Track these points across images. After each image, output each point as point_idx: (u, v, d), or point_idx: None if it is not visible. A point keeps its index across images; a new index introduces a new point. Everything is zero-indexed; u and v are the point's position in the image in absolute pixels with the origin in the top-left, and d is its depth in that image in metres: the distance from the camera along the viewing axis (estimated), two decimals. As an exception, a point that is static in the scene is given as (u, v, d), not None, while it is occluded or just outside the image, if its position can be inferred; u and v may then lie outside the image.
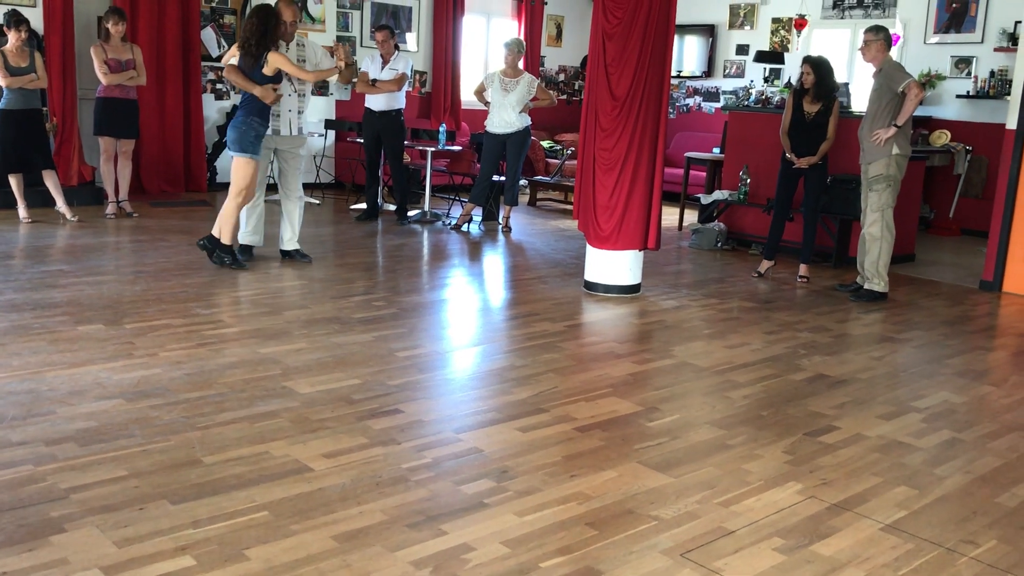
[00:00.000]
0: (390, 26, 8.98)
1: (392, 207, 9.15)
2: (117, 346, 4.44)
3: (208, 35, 9.98)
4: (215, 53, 10.06)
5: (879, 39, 6.29)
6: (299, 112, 6.52)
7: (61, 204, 7.71)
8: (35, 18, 8.38)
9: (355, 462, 3.25)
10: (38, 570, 2.43)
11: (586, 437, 3.64)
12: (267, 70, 6.03)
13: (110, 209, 8.10)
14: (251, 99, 6.09)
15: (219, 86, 10.20)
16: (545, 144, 12.13)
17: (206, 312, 5.17)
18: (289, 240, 6.79)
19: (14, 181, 7.61)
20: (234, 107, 10.25)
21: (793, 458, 3.56)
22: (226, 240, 6.24)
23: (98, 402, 3.68)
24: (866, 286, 6.51)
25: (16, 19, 7.31)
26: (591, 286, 6.24)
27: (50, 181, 7.71)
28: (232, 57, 6.29)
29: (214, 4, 10.02)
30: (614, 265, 6.14)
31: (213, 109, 10.16)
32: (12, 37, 7.30)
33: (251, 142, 6.10)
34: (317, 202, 9.70)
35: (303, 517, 2.82)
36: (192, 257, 6.63)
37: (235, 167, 6.17)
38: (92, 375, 3.99)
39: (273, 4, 6.27)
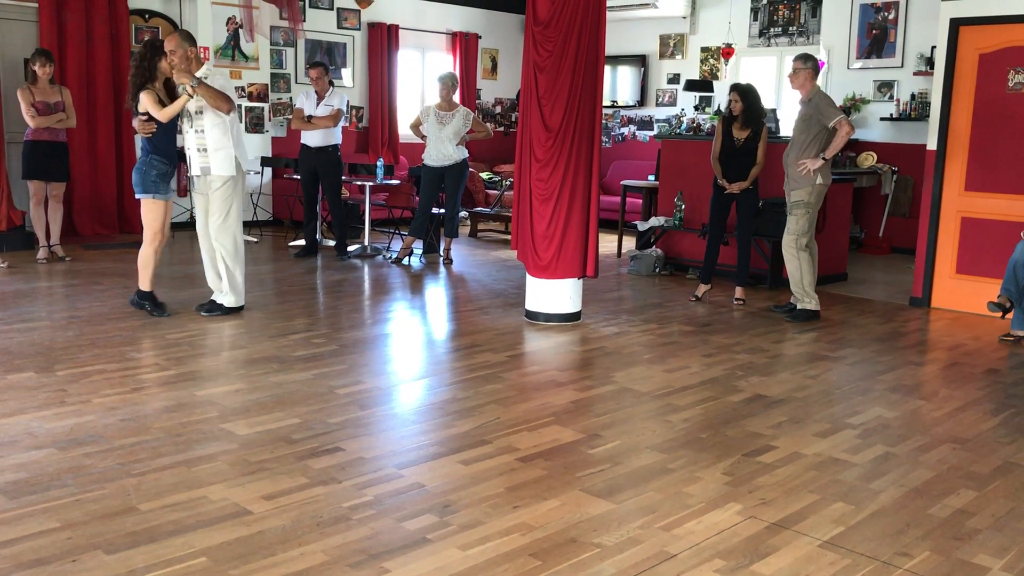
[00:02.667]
0: (324, 63, 8.99)
1: (331, 243, 9.11)
2: (49, 394, 4.34)
3: (139, 75, 9.87)
4: (147, 93, 9.95)
5: (807, 68, 6.47)
6: (200, 150, 5.89)
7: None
8: (-41, 62, 8.22)
9: (295, 503, 3.22)
10: (-35, 630, 2.36)
11: (529, 467, 3.65)
12: (140, 109, 5.81)
13: (41, 254, 7.93)
14: (150, 139, 5.86)
15: (152, 126, 10.08)
16: (484, 175, 12.21)
17: (141, 356, 5.08)
18: (220, 292, 6.18)
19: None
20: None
21: (732, 479, 3.61)
22: (144, 286, 6.02)
23: (29, 452, 3.59)
24: (799, 306, 6.66)
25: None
26: (532, 315, 6.28)
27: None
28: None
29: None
30: (554, 294, 6.19)
31: (146, 149, 10.03)
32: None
33: (152, 182, 5.86)
34: (255, 240, 9.62)
35: (242, 562, 2.78)
36: (125, 301, 6.51)
37: (143, 211, 5.93)
38: (22, 424, 3.89)
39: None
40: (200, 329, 5.77)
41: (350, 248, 8.95)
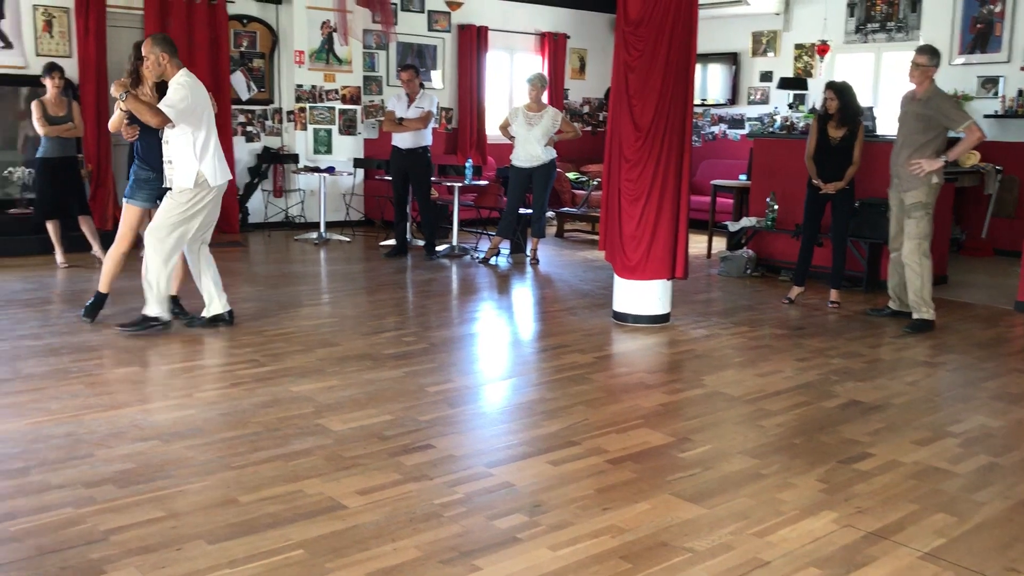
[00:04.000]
0: (415, 65, 9.12)
1: (421, 243, 9.23)
2: (153, 388, 4.51)
3: (238, 79, 10.18)
4: (244, 96, 10.25)
5: (933, 64, 6.21)
6: (168, 162, 5.51)
7: (96, 249, 7.86)
8: (70, 68, 8.59)
9: (388, 499, 3.28)
10: (79, 612, 2.47)
11: (618, 469, 3.63)
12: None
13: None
14: (138, 144, 5.70)
15: (249, 129, 10.39)
16: (571, 175, 12.20)
17: (239, 352, 5.24)
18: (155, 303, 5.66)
19: (51, 228, 7.78)
20: (264, 151, 10.44)
21: (827, 486, 3.53)
22: (102, 288, 5.80)
23: (135, 444, 3.74)
24: (915, 315, 6.37)
25: (50, 67, 7.52)
26: (620, 316, 6.24)
27: (86, 226, 7.87)
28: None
29: (243, 49, 10.22)
30: (642, 295, 6.14)
31: (244, 151, 10.34)
32: (49, 85, 7.51)
33: (131, 187, 5.75)
34: (347, 240, 9.81)
35: (338, 555, 2.84)
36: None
37: (123, 213, 5.81)
38: (129, 417, 4.06)
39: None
40: (295, 327, 5.91)
41: (439, 248, 9.05)
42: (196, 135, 5.44)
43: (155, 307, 5.58)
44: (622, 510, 3.25)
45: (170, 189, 5.51)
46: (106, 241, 8.08)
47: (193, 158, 5.44)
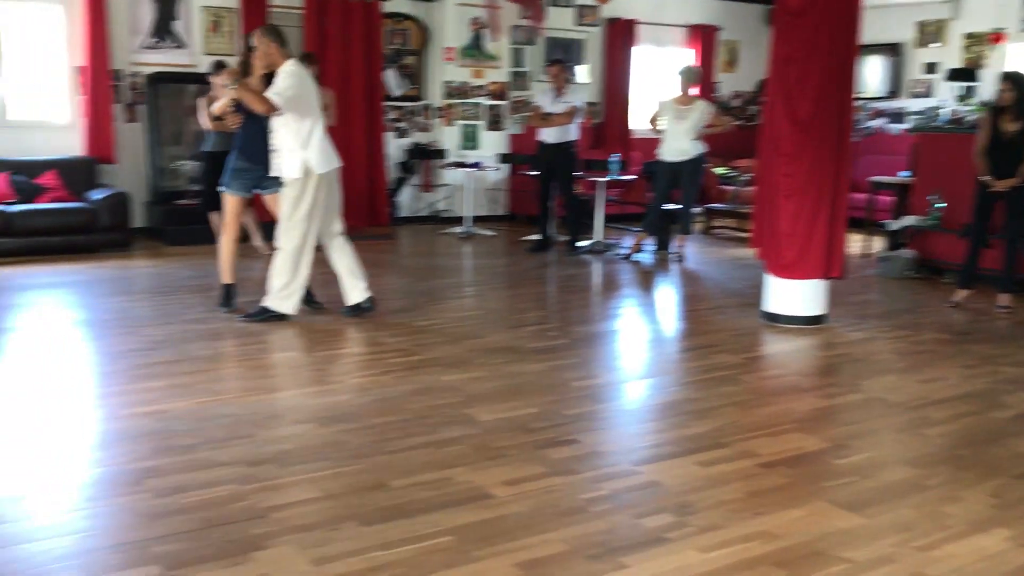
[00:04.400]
0: (563, 60, 9.12)
1: (564, 238, 9.23)
2: (309, 372, 4.69)
3: (390, 76, 10.45)
4: (396, 93, 10.52)
5: None
6: (274, 151, 5.63)
7: (256, 239, 8.23)
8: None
9: (534, 491, 3.28)
10: (243, 584, 2.58)
11: (770, 474, 3.52)
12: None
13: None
14: (238, 135, 5.85)
15: (400, 125, 10.65)
16: (720, 171, 11.91)
17: (390, 341, 5.37)
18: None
19: (214, 219, 8.20)
20: (413, 147, 10.68)
21: (999, 502, 3.31)
22: (225, 279, 5.98)
23: (294, 426, 3.89)
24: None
25: (217, 65, 7.92)
26: (772, 317, 6.05)
27: (247, 217, 8.25)
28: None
29: (396, 46, 10.48)
30: (796, 294, 5.93)
31: (395, 147, 10.61)
32: (216, 82, 7.90)
33: (227, 175, 5.87)
34: (492, 234, 9.93)
35: (487, 543, 2.87)
36: (375, 288, 6.90)
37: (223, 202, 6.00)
38: (288, 400, 4.23)
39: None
40: (442, 319, 6.02)
41: (582, 243, 9.03)
42: (302, 123, 5.49)
43: (274, 300, 5.66)
44: (775, 515, 3.14)
45: (277, 178, 5.63)
46: (265, 231, 8.47)
47: (298, 146, 5.50)
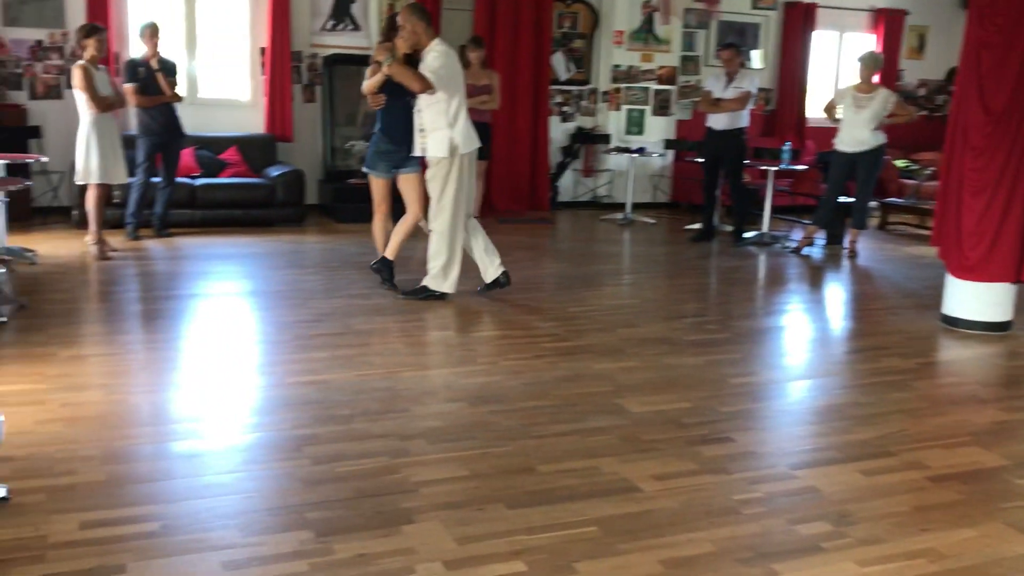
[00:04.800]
0: (736, 44, 8.84)
1: (728, 228, 8.97)
2: (464, 352, 4.75)
3: (558, 60, 10.44)
4: (563, 77, 10.50)
5: None
6: (420, 130, 5.64)
7: (421, 220, 8.39)
8: (409, 50, 9.24)
9: (685, 487, 3.19)
10: (389, 556, 2.63)
11: (940, 488, 3.28)
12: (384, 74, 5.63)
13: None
14: (380, 116, 5.85)
15: (565, 109, 10.63)
16: (900, 163, 11.27)
17: (544, 325, 5.37)
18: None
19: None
20: (577, 131, 10.63)
21: None
22: (388, 255, 6.01)
23: (445, 404, 3.95)
24: None
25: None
26: (951, 320, 5.66)
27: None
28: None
29: (565, 30, 10.46)
30: (980, 298, 5.52)
31: (558, 131, 10.61)
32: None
33: (371, 158, 5.90)
34: (652, 221, 9.77)
35: (632, 537, 2.81)
36: (532, 272, 6.94)
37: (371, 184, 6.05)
38: (441, 378, 4.29)
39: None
40: (597, 306, 5.97)
41: (747, 235, 8.74)
42: (451, 102, 5.55)
43: (433, 280, 5.76)
44: (943, 533, 2.93)
45: (414, 159, 5.77)
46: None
47: (446, 125, 5.55)
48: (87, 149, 6.78)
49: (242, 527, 2.75)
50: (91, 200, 6.88)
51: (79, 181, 6.96)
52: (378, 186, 5.98)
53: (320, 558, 2.60)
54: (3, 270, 4.15)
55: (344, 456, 3.33)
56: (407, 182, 5.92)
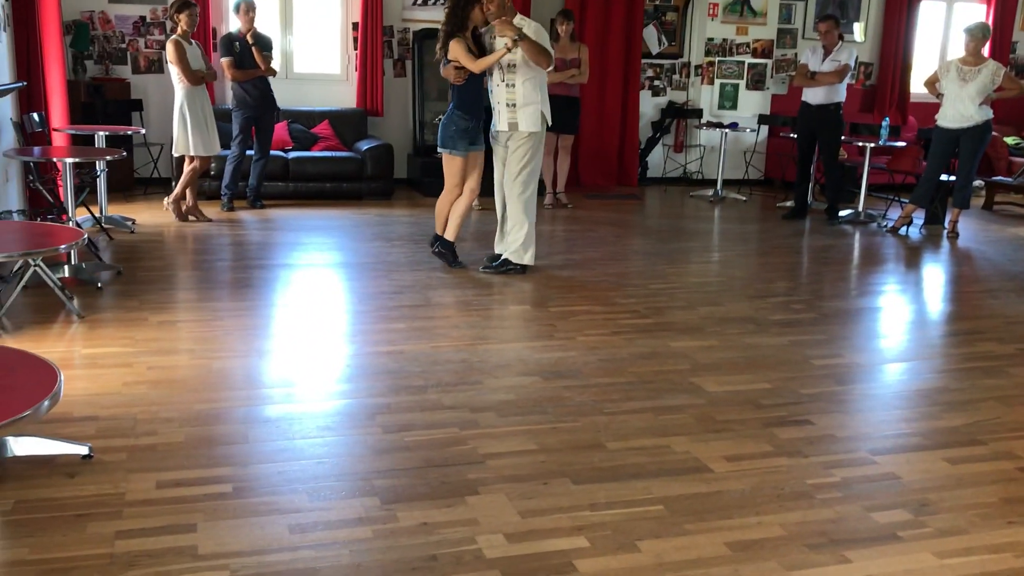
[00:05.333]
0: (835, 16, 8.52)
1: (822, 206, 8.69)
2: (540, 327, 4.73)
3: (650, 33, 10.25)
4: (655, 50, 10.31)
5: None
6: (510, 105, 5.62)
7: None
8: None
9: (757, 469, 3.12)
10: (452, 526, 2.64)
11: (1032, 480, 3.13)
12: (450, 57, 5.58)
13: (548, 200, 8.67)
14: (456, 92, 5.69)
15: (656, 83, 10.45)
16: (1009, 140, 10.73)
17: (624, 301, 5.31)
18: (498, 242, 5.97)
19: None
20: (668, 105, 10.44)
21: None
22: (449, 236, 5.92)
23: (518, 377, 3.94)
24: None
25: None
26: (1054, 305, 5.38)
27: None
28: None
29: (657, 2, 10.26)
30: (1087, 283, 5.22)
31: (649, 105, 10.44)
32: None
33: (450, 137, 5.65)
34: (743, 198, 9.55)
35: (698, 518, 2.76)
36: (616, 248, 6.88)
37: (444, 163, 5.80)
38: (516, 352, 4.29)
39: None
40: (681, 283, 5.87)
41: (842, 213, 8.47)
42: (543, 77, 5.63)
43: (520, 252, 5.78)
44: (1032, 528, 2.79)
45: (503, 132, 5.68)
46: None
47: (540, 100, 5.60)
48: (181, 122, 6.99)
49: (310, 492, 2.81)
50: (189, 168, 7.12)
51: (176, 153, 7.19)
52: (458, 165, 5.75)
53: (383, 525, 2.63)
54: (86, 238, 4.31)
55: (414, 426, 3.36)
56: (476, 159, 5.84)
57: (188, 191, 7.21)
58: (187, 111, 6.96)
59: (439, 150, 5.77)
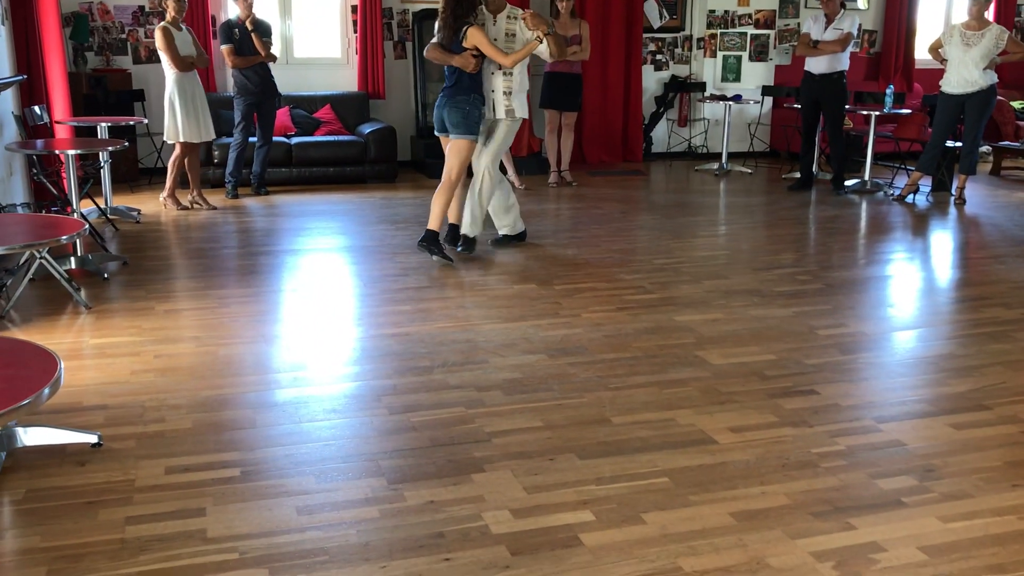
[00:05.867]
0: (837, -17, 8.45)
1: (828, 176, 8.65)
2: (545, 305, 4.74)
3: (651, 7, 10.18)
4: (656, 24, 10.25)
5: None
6: (506, 93, 5.62)
7: (511, 173, 8.39)
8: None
9: (762, 440, 3.13)
10: (459, 503, 2.67)
11: (1037, 443, 3.13)
12: (467, 45, 5.45)
13: (552, 178, 8.66)
14: (470, 78, 5.53)
15: (658, 57, 10.39)
16: (1016, 104, 10.65)
17: (629, 277, 5.31)
18: (469, 224, 5.83)
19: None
20: (671, 80, 10.38)
21: None
22: (463, 229, 5.84)
23: (524, 356, 3.95)
24: None
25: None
26: (1061, 269, 5.36)
27: (505, 159, 8.43)
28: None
29: (657, -24, 10.18)
30: (1094, 245, 5.20)
31: (652, 80, 10.38)
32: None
33: (475, 122, 5.54)
34: (749, 171, 9.51)
35: (703, 489, 2.78)
36: (621, 224, 6.87)
37: (457, 150, 5.60)
38: (521, 330, 4.30)
39: None
40: (686, 257, 5.87)
41: (848, 183, 8.43)
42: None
43: (512, 226, 6.02)
44: (1037, 490, 2.80)
45: (497, 120, 5.67)
46: (519, 166, 8.63)
47: (526, 87, 5.77)
48: (171, 109, 6.99)
49: (318, 474, 2.83)
50: (173, 157, 7.12)
51: (166, 140, 7.17)
52: (470, 150, 5.64)
53: (390, 504, 2.65)
54: (88, 227, 4.32)
55: (421, 406, 3.38)
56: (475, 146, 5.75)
57: (190, 178, 7.21)
58: (176, 97, 6.96)
59: (460, 136, 5.55)
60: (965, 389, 3.64)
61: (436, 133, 5.79)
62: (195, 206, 7.23)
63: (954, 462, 2.98)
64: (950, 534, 2.54)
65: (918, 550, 2.45)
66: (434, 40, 5.69)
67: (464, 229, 5.83)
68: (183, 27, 7.11)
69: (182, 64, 6.94)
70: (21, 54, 6.72)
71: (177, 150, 7.12)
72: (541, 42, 5.49)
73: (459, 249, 5.78)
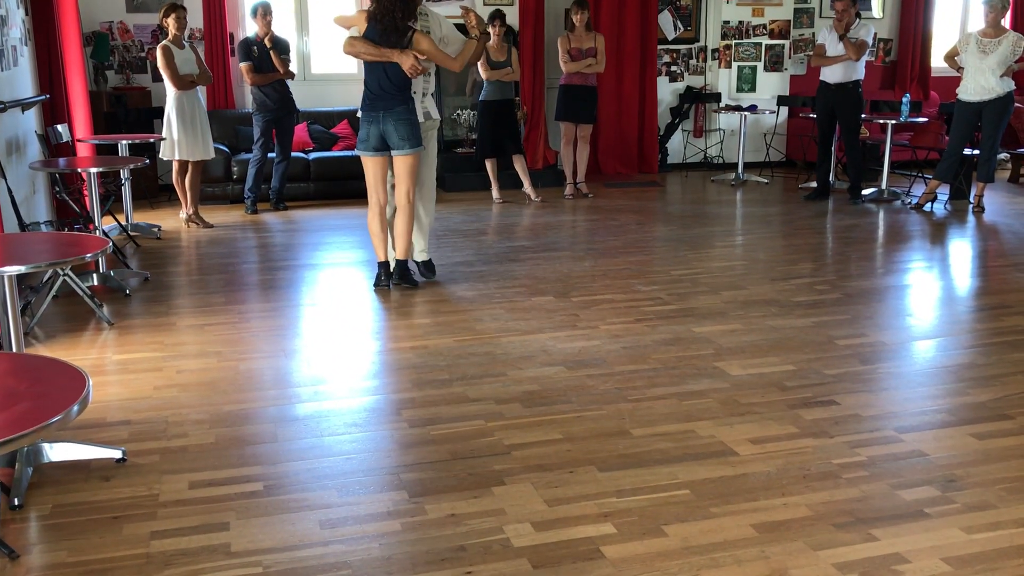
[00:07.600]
0: (851, -7, 8.45)
1: (845, 185, 8.63)
2: (563, 317, 4.75)
3: (665, 18, 10.21)
4: (671, 36, 10.27)
5: None
6: (424, 94, 5.28)
7: (527, 186, 8.43)
8: (512, 14, 9.20)
9: (782, 451, 3.13)
10: (479, 516, 2.68)
11: (1061, 453, 3.11)
12: (422, 51, 5.00)
13: (568, 190, 8.67)
14: (404, 83, 5.05)
15: (673, 68, 10.40)
16: (1034, 112, 10.59)
17: (646, 289, 5.32)
18: (421, 251, 5.61)
19: (489, 165, 8.48)
20: (686, 91, 10.39)
21: None
22: (414, 256, 5.56)
23: (542, 367, 3.97)
24: None
25: (495, 14, 8.12)
26: (1083, 276, 5.32)
27: (518, 165, 8.46)
28: (352, 27, 5.21)
29: (671, -13, 10.21)
30: (1115, 252, 5.16)
31: (667, 91, 10.40)
32: (492, 32, 8.11)
33: (419, 132, 5.17)
34: (765, 181, 9.50)
35: (724, 501, 2.78)
36: (638, 236, 6.88)
37: (409, 166, 5.12)
38: (540, 343, 4.31)
39: None
40: (703, 268, 5.86)
41: (865, 192, 8.40)
42: None
43: (423, 244, 5.61)
44: (1061, 501, 2.78)
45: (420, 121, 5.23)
46: (535, 179, 8.65)
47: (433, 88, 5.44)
48: (168, 126, 7.04)
49: (340, 488, 2.85)
50: (174, 175, 7.18)
51: (161, 156, 7.21)
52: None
53: (412, 518, 2.67)
54: (111, 245, 4.34)
55: (440, 419, 3.40)
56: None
57: (189, 196, 7.23)
58: (174, 115, 7.00)
59: (411, 150, 5.09)
60: (986, 399, 3.62)
61: (363, 153, 5.19)
62: (190, 224, 7.25)
63: (976, 472, 2.97)
64: (974, 545, 2.53)
65: (941, 561, 2.44)
66: (353, 32, 5.12)
67: (418, 256, 5.59)
68: (186, 44, 7.16)
69: (181, 83, 6.99)
70: (44, 74, 6.81)
71: (175, 167, 7.18)
72: (478, 41, 5.23)
73: (421, 278, 5.53)
